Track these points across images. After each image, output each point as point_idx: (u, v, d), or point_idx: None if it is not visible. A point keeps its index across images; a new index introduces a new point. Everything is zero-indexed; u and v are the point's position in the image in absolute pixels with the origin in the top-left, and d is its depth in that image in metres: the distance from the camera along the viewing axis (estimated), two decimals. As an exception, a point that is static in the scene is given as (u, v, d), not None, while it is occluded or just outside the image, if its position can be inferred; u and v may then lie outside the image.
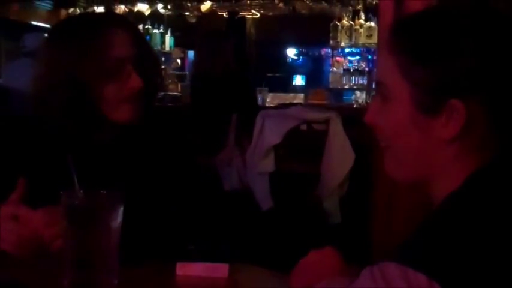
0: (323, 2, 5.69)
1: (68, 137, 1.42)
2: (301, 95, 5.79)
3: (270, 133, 3.62)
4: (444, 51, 0.85)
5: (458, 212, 0.80)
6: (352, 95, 6.01)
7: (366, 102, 5.47)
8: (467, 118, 0.84)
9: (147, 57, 1.46)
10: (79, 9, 6.01)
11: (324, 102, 5.35)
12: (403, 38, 0.90)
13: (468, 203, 0.82)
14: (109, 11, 5.15)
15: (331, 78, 6.29)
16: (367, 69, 6.00)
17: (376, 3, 4.95)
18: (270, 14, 6.39)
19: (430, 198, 0.93)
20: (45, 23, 5.83)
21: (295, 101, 5.27)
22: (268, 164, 3.63)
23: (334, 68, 6.28)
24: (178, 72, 6.55)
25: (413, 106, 0.88)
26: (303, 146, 3.69)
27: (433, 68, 0.85)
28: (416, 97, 0.87)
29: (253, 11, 6.42)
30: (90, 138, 1.43)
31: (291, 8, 5.91)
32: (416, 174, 0.93)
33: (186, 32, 6.51)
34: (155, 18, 6.37)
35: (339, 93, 6.15)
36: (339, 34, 5.69)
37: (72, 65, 1.36)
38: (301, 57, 7.52)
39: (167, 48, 6.53)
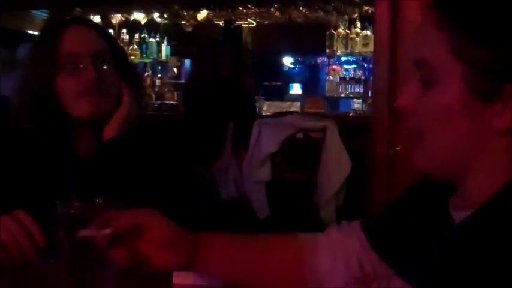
0: (319, 10, 5.69)
1: (63, 147, 1.45)
2: (298, 104, 5.79)
3: (266, 141, 3.62)
4: (507, 28, 0.75)
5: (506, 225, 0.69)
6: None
7: (362, 110, 5.47)
8: None
9: (114, 51, 1.52)
10: (75, 18, 6.00)
11: (321, 110, 5.36)
12: (459, 12, 0.79)
13: None
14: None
15: (327, 86, 6.30)
16: (363, 77, 6.00)
17: (372, 12, 4.96)
18: (266, 22, 6.40)
19: (461, 194, 0.85)
20: (42, 32, 5.82)
21: (291, 110, 5.28)
22: (265, 173, 3.63)
23: (331, 77, 6.28)
24: (174, 81, 6.55)
25: (465, 89, 0.77)
26: (299, 154, 3.69)
27: (495, 48, 0.75)
28: (470, 79, 0.77)
29: (249, 19, 6.43)
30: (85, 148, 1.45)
31: (287, 16, 5.92)
32: (452, 168, 0.83)
33: (183, 41, 6.51)
34: (151, 27, 6.38)
35: (335, 101, 6.16)
36: (335, 43, 5.70)
37: (33, 65, 1.45)
38: (297, 66, 7.54)
39: (163, 57, 6.53)
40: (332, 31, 5.70)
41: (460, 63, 0.77)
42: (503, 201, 0.73)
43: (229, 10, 6.09)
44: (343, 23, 5.71)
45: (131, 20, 6.23)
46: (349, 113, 5.55)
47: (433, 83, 0.80)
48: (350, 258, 1.02)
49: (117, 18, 6.23)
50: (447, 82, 0.78)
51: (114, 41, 1.62)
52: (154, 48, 6.43)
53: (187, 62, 6.51)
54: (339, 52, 5.78)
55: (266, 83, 6.61)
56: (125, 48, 6.13)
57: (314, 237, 1.11)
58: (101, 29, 1.62)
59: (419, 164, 0.85)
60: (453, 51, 0.77)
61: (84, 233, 0.97)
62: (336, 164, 3.54)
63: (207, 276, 1.08)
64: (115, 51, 1.53)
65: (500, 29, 0.75)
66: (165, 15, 6.25)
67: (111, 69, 1.48)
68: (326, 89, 6.29)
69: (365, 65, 6.05)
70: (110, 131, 1.45)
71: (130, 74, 1.57)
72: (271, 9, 5.90)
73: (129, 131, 1.46)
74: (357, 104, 5.86)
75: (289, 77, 7.31)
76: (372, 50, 4.94)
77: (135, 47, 6.29)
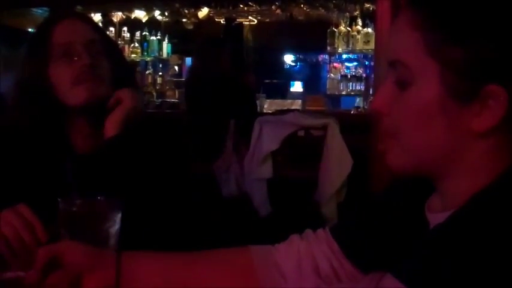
0: (320, 8, 5.69)
1: (60, 142, 1.45)
2: (299, 101, 5.79)
3: (267, 139, 3.62)
4: (485, 25, 0.72)
5: (490, 225, 0.66)
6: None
7: (364, 108, 5.47)
8: (509, 108, 0.71)
9: (107, 43, 1.53)
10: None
11: (322, 108, 5.36)
12: (432, 11, 0.76)
13: (500, 207, 0.68)
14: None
15: (328, 84, 6.28)
16: (364, 75, 5.99)
17: (373, 9, 4.95)
18: (267, 20, 6.40)
19: (438, 195, 0.83)
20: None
21: (292, 107, 5.28)
22: (266, 170, 3.62)
23: (332, 74, 6.27)
24: (176, 79, 6.54)
25: (442, 89, 0.74)
26: (300, 152, 3.69)
27: (472, 47, 0.72)
28: (447, 79, 0.74)
29: (250, 17, 6.42)
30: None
31: (288, 14, 5.91)
32: (429, 168, 0.80)
33: (184, 39, 6.51)
34: (152, 25, 6.37)
35: (336, 99, 6.15)
36: (336, 40, 5.70)
37: (27, 59, 1.48)
38: (298, 64, 7.52)
39: (164, 55, 6.52)
40: (333, 29, 5.70)
41: (436, 63, 0.74)
42: (484, 203, 0.71)
43: (230, 8, 6.08)
44: (345, 21, 5.71)
45: (132, 18, 6.23)
46: (351, 111, 5.54)
47: (408, 84, 0.77)
48: (319, 264, 1.00)
49: (118, 16, 6.23)
50: (423, 83, 0.76)
51: (106, 34, 1.64)
52: (155, 46, 6.42)
53: (188, 60, 6.50)
54: (340, 50, 5.78)
55: (267, 81, 6.60)
56: (126, 46, 6.14)
57: (271, 248, 1.06)
58: (94, 22, 1.65)
59: (394, 163, 0.83)
60: (429, 51, 0.75)
61: (9, 275, 0.95)
62: (337, 161, 3.54)
63: None
64: (108, 44, 1.55)
65: (476, 27, 0.72)
66: (166, 13, 6.24)
67: (104, 58, 1.49)
68: (327, 86, 6.28)
69: (366, 63, 6.04)
70: (111, 128, 1.44)
71: (124, 67, 1.58)
72: (272, 6, 5.90)
73: (131, 127, 1.45)
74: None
75: (290, 75, 7.30)
76: (373, 47, 4.96)
77: (136, 45, 6.29)
